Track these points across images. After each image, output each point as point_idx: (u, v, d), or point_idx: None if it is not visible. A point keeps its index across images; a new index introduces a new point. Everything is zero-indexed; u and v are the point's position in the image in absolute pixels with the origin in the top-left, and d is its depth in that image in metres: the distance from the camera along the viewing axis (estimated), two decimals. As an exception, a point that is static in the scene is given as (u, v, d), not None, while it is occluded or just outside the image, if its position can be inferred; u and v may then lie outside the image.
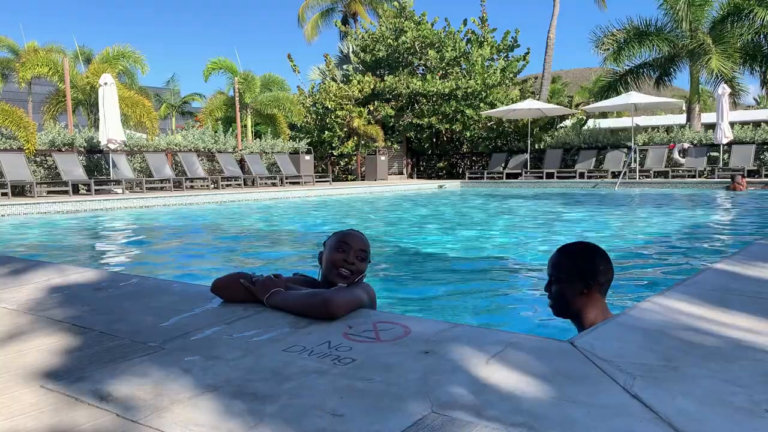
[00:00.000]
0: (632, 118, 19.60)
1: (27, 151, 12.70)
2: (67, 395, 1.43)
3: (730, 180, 14.31)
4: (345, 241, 2.29)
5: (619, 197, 13.29)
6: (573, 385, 1.38)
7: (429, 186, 18.39)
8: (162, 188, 14.46)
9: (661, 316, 1.93)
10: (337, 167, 21.92)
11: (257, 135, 22.47)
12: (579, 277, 2.08)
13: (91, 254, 6.41)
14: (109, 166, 13.84)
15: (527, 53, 22.85)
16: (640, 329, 1.79)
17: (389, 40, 21.94)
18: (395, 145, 22.58)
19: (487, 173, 19.93)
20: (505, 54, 22.71)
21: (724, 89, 16.81)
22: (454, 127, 21.37)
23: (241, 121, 19.19)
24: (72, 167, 13.02)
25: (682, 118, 23.35)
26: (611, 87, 22.10)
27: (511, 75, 22.48)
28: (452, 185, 18.82)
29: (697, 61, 19.59)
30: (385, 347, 1.69)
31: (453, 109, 20.80)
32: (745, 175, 15.26)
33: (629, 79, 21.96)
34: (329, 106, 21.02)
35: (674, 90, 37.49)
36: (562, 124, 21.83)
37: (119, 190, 13.45)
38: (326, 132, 21.26)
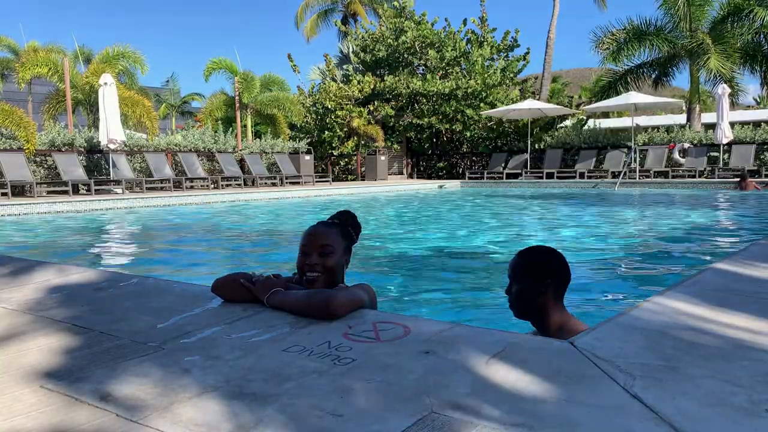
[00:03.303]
0: (632, 118, 19.58)
1: (27, 151, 12.70)
2: (67, 395, 1.43)
3: (738, 179, 14.17)
4: (305, 243, 2.21)
5: (619, 197, 13.29)
6: (573, 385, 1.38)
7: (429, 186, 18.38)
8: (162, 188, 14.46)
9: (661, 316, 1.93)
10: (337, 167, 21.91)
11: (257, 135, 22.46)
12: (535, 277, 2.14)
13: (91, 254, 6.41)
14: (109, 166, 13.84)
15: (527, 53, 22.85)
16: (640, 329, 1.79)
17: (389, 40, 21.93)
18: (395, 145, 22.57)
19: (487, 173, 19.92)
20: (505, 54, 22.71)
21: (723, 89, 16.80)
22: (454, 127, 21.36)
23: (241, 121, 19.18)
24: (72, 167, 13.02)
25: (682, 118, 23.33)
26: (611, 87, 22.10)
27: (511, 75, 22.48)
28: (452, 185, 18.81)
29: (697, 61, 19.59)
30: (385, 347, 1.69)
31: (453, 109, 20.79)
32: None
33: (629, 79, 21.96)
34: (329, 106, 21.01)
35: (674, 90, 37.47)
36: (562, 124, 21.82)
37: (119, 190, 13.45)
38: (326, 132, 21.25)
